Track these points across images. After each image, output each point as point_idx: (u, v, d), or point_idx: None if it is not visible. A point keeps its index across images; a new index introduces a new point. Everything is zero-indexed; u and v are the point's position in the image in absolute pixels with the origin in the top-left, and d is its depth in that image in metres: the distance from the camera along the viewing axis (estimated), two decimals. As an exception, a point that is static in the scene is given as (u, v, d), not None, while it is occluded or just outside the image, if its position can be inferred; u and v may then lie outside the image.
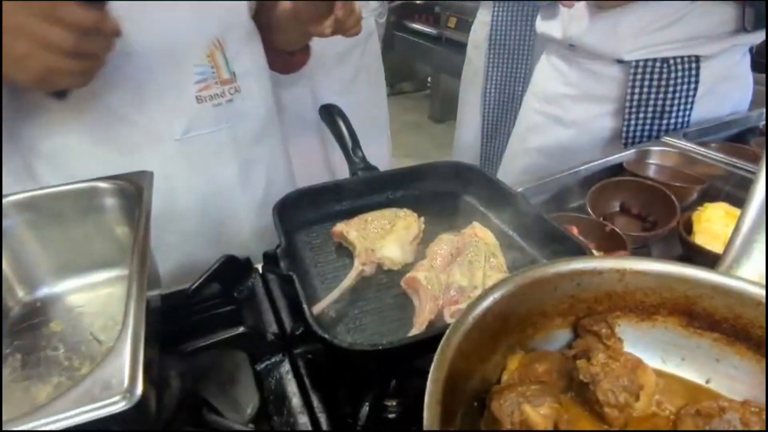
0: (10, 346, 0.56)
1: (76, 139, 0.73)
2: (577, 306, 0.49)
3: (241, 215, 0.89)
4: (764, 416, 0.40)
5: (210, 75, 0.78)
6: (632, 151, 1.05)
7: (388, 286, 0.64)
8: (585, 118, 1.32)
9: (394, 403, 0.51)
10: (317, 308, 0.55)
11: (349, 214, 0.74)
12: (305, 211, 0.77)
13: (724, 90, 1.24)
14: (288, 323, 0.65)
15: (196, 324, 0.66)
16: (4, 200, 0.57)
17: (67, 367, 0.55)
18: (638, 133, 1.23)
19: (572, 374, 0.45)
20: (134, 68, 0.71)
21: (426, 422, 0.32)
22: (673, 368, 0.48)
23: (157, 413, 0.45)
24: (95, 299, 0.62)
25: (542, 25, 1.39)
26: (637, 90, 1.19)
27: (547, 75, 1.42)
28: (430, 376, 0.35)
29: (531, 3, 1.67)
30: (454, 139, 2.16)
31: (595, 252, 0.81)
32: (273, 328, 0.65)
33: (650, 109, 1.20)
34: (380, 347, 0.47)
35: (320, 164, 1.64)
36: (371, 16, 1.70)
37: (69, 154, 0.74)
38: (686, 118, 1.20)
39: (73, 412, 0.32)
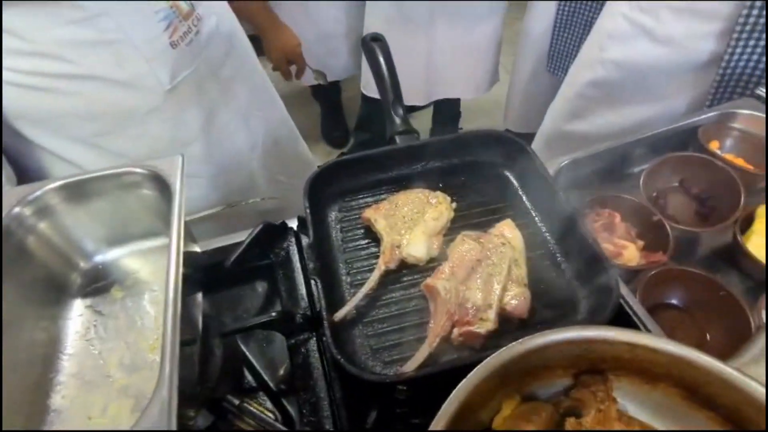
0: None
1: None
2: (581, 362, 0.51)
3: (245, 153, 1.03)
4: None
5: (172, 15, 0.79)
6: (714, 113, 0.90)
7: (410, 285, 0.66)
8: (683, 36, 1.11)
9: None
10: (338, 315, 0.60)
11: (379, 185, 0.75)
12: (339, 183, 0.76)
13: None
14: (318, 299, 0.71)
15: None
16: (51, 185, 0.61)
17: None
18: (741, 65, 1.03)
19: (560, 425, 0.49)
20: (107, 32, 0.73)
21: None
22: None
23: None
24: (146, 265, 0.69)
25: None
26: (755, 10, 0.97)
27: (648, -29, 1.15)
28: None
29: None
30: (522, 30, 1.89)
31: (633, 243, 0.77)
32: (305, 301, 0.71)
33: (764, 37, 0.98)
34: (387, 380, 0.53)
35: None
36: None
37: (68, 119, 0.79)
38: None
39: None
